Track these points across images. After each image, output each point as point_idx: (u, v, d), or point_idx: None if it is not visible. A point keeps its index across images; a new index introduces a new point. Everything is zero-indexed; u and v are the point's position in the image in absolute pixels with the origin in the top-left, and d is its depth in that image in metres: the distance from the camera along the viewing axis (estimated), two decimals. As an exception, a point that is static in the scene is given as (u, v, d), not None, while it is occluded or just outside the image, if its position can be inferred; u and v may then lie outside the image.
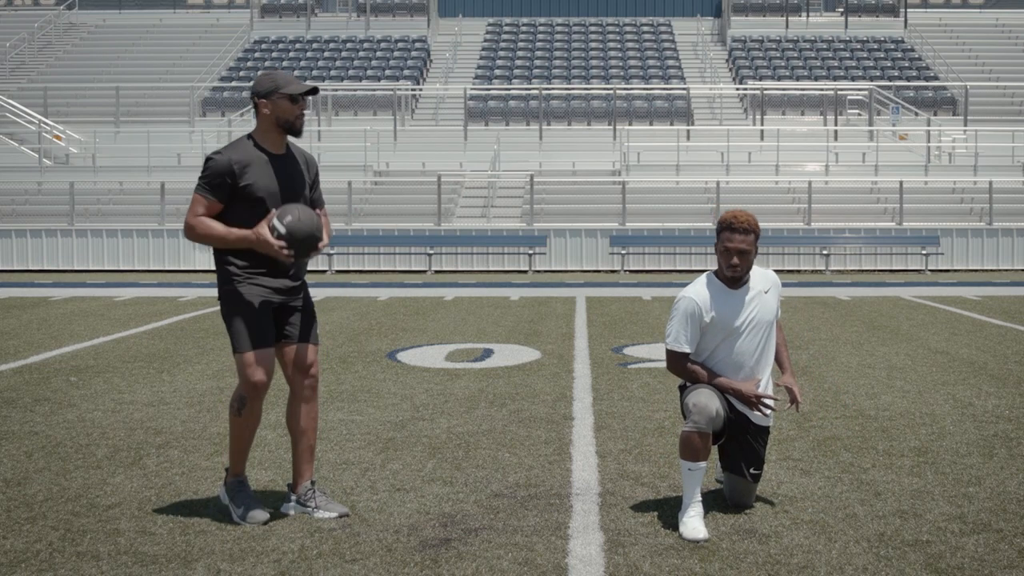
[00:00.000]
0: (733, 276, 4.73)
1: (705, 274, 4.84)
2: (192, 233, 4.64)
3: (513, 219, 24.98)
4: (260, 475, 5.43)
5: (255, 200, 4.64)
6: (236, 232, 4.61)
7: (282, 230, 4.54)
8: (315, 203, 4.89)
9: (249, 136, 4.76)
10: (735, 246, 4.68)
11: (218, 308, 4.90)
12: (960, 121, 29.45)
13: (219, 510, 4.84)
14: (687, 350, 4.75)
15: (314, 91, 4.81)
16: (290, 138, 4.81)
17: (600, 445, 6.15)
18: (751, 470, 4.80)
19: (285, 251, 4.55)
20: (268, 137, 4.73)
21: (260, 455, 5.84)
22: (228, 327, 4.73)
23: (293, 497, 4.82)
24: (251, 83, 4.91)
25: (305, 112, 4.79)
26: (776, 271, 24.25)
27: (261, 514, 4.64)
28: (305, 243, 4.58)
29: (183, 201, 24.21)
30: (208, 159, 4.67)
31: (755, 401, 4.72)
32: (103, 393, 7.93)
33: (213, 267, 4.83)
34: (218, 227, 4.63)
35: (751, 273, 4.81)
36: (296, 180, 4.78)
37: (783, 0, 37.48)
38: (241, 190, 4.63)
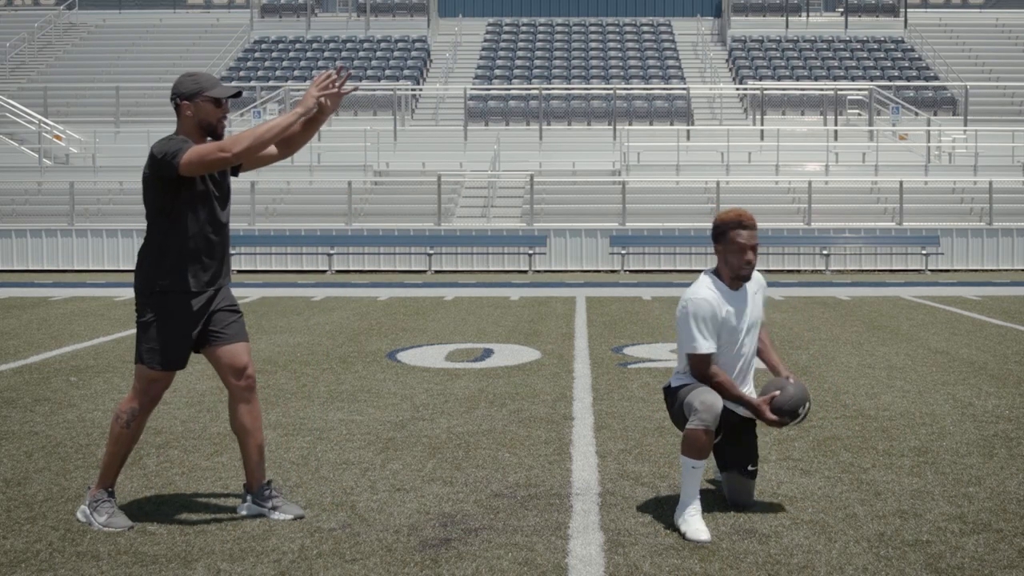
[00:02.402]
0: (746, 275, 4.74)
1: (705, 276, 4.81)
2: (240, 145, 4.47)
3: (513, 219, 24.98)
4: (260, 475, 5.42)
5: (197, 193, 4.59)
6: (282, 120, 4.55)
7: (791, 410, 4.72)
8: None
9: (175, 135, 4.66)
10: (750, 242, 4.70)
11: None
12: (960, 121, 29.46)
13: (219, 510, 4.84)
14: (714, 349, 4.70)
15: (238, 94, 4.75)
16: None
17: (600, 445, 6.15)
18: (748, 466, 4.81)
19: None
20: (192, 139, 4.63)
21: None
22: (142, 336, 4.64)
23: (249, 498, 4.78)
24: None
25: (227, 115, 4.74)
26: (776, 271, 24.32)
27: (124, 520, 4.57)
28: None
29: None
30: (168, 139, 4.56)
31: (767, 415, 4.72)
32: (103, 393, 7.93)
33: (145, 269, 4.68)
34: (261, 128, 4.51)
35: None
36: (222, 175, 4.73)
37: (783, 0, 37.48)
38: (187, 180, 4.56)
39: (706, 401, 4.55)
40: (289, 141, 4.82)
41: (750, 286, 4.84)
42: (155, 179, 4.56)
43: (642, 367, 9.14)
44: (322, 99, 4.68)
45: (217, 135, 4.68)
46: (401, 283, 20.00)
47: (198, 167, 4.49)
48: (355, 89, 4.90)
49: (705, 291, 4.71)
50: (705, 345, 4.67)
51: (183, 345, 4.65)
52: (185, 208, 4.58)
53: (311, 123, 4.79)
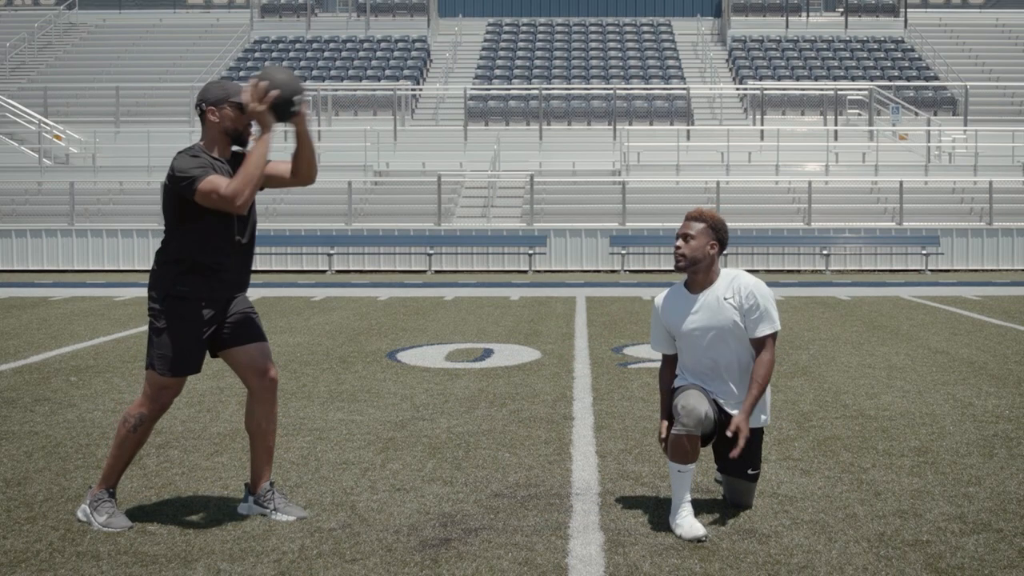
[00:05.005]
0: (676, 262, 4.75)
1: (677, 283, 4.90)
2: (242, 195, 4.46)
3: (513, 219, 24.98)
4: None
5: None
6: (257, 150, 4.53)
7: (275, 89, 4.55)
8: None
9: (199, 146, 4.65)
10: (680, 230, 4.76)
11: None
12: (960, 121, 29.46)
13: (219, 510, 4.84)
14: (663, 350, 4.91)
15: None
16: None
17: (600, 445, 6.15)
18: (749, 470, 4.80)
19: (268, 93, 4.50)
20: (215, 147, 4.64)
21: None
22: (155, 341, 4.62)
23: (251, 498, 4.77)
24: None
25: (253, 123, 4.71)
26: (776, 271, 24.22)
27: (124, 521, 4.57)
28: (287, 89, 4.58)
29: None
30: (190, 155, 4.55)
31: (661, 440, 4.72)
32: (103, 393, 7.93)
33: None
34: (248, 168, 4.49)
35: (720, 281, 4.76)
36: None
37: (783, 0, 37.48)
38: None
39: (687, 406, 4.54)
40: (295, 165, 4.74)
41: (716, 291, 4.73)
42: (174, 193, 4.56)
43: (642, 367, 9.14)
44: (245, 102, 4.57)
45: (242, 142, 4.68)
46: (401, 283, 20.00)
47: (208, 204, 4.49)
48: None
49: (660, 297, 4.91)
50: (656, 346, 4.94)
51: (196, 351, 4.64)
52: (206, 218, 4.57)
53: (300, 141, 4.69)
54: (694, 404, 4.54)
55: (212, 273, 4.61)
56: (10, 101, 29.21)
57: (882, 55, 34.87)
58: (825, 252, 23.40)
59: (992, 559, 4.17)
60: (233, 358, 4.72)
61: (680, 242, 4.72)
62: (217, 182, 4.48)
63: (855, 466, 5.62)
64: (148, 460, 5.78)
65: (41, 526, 4.61)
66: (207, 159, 4.57)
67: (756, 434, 4.82)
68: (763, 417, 4.83)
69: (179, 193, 4.52)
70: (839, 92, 30.42)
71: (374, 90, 31.31)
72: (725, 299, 4.71)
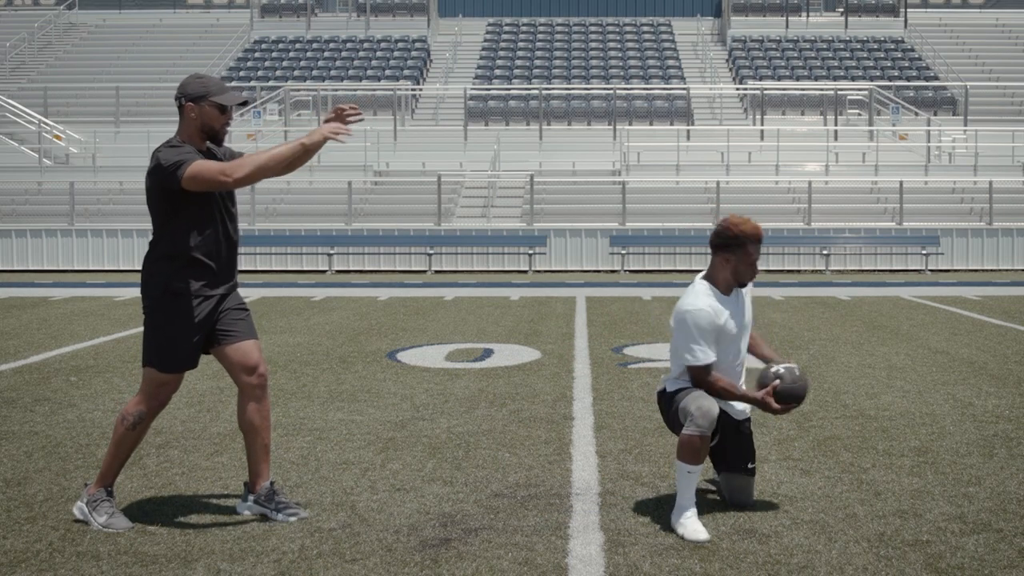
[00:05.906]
0: (748, 282, 4.83)
1: (701, 283, 4.79)
2: (241, 171, 4.45)
3: (513, 219, 24.98)
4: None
5: (204, 197, 4.58)
6: (284, 148, 4.54)
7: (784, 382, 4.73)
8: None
9: (177, 139, 4.65)
10: (759, 255, 4.79)
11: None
12: (960, 121, 29.45)
13: (219, 510, 4.84)
14: (713, 359, 4.69)
15: (244, 103, 4.79)
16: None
17: (600, 445, 6.15)
18: (747, 465, 4.83)
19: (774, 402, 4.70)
20: (192, 141, 4.65)
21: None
22: (151, 338, 4.62)
23: (251, 497, 4.76)
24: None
25: (231, 122, 4.73)
26: (776, 271, 24.29)
27: (125, 522, 4.56)
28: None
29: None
30: (172, 146, 4.55)
31: (773, 405, 4.71)
32: (103, 393, 7.93)
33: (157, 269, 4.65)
34: (261, 157, 4.51)
35: None
36: None
37: (783, 0, 37.48)
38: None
39: (703, 407, 4.55)
40: (289, 163, 4.81)
41: (742, 289, 4.87)
42: (159, 188, 4.56)
43: (642, 367, 9.14)
44: (329, 136, 4.63)
45: (218, 140, 4.69)
46: (401, 283, 20.00)
47: (198, 184, 4.49)
48: (361, 119, 4.88)
49: (704, 300, 4.70)
50: (705, 356, 4.67)
51: (193, 346, 4.65)
52: (193, 212, 4.57)
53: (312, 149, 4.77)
54: (708, 406, 4.56)
55: (205, 267, 4.62)
56: (10, 101, 29.21)
57: (882, 55, 34.87)
58: (825, 252, 23.40)
59: (992, 559, 4.17)
60: (223, 355, 4.72)
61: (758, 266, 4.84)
62: (205, 164, 4.49)
63: (855, 466, 5.62)
64: (148, 460, 5.79)
65: (41, 526, 4.61)
66: (190, 147, 4.59)
67: (746, 424, 4.91)
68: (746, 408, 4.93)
69: (164, 184, 4.51)
70: (839, 92, 30.42)
71: (374, 90, 31.31)
72: (746, 295, 4.88)
